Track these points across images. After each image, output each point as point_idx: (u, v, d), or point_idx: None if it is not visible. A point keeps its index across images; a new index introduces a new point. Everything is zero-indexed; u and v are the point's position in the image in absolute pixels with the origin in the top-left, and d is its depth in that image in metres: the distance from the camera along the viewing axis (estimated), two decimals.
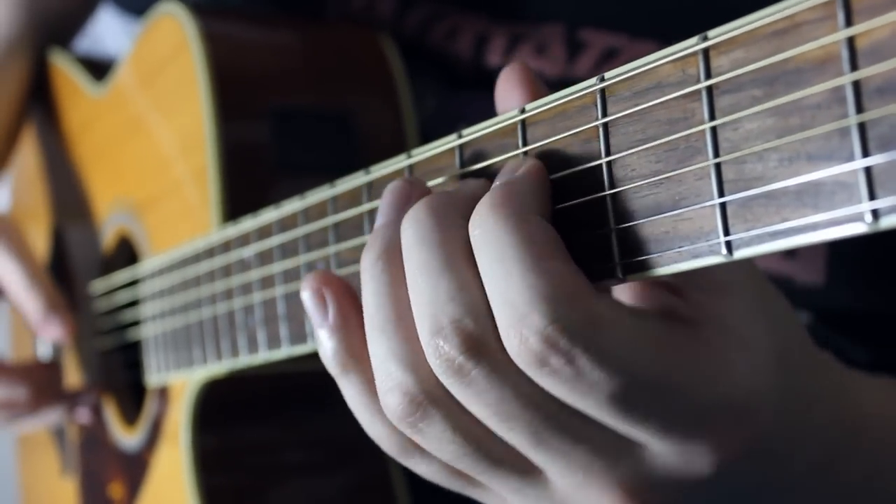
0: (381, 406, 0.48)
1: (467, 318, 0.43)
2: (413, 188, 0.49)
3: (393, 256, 0.46)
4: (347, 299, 0.50)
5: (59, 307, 0.97)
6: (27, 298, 0.97)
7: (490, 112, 0.51)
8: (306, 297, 0.51)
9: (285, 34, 0.88)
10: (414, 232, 0.45)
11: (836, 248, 0.73)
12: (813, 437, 0.51)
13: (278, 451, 0.85)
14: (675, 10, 0.79)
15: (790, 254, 0.74)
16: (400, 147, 0.86)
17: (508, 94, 0.50)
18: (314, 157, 0.83)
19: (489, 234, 0.42)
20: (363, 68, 0.86)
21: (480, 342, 0.42)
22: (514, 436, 0.45)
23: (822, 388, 0.51)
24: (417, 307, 0.44)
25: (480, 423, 0.45)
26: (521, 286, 0.40)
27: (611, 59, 0.79)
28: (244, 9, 0.93)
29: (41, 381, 0.98)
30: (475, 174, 0.49)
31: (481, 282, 0.43)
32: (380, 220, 0.49)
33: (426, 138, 0.87)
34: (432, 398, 0.45)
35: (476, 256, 0.43)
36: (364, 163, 0.84)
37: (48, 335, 0.97)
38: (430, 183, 0.52)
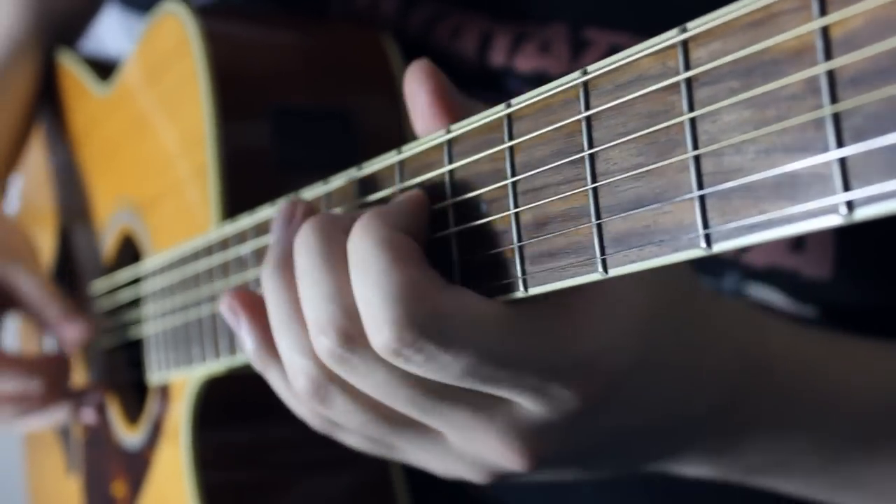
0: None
1: (342, 317, 0.50)
2: (296, 207, 0.58)
3: (285, 266, 0.54)
4: (257, 308, 0.58)
5: (76, 311, 1.00)
6: (46, 305, 0.99)
7: None
8: (223, 310, 0.60)
9: (287, 34, 0.88)
10: (301, 244, 0.52)
11: (844, 243, 0.74)
12: (708, 379, 0.57)
13: (279, 449, 0.85)
14: (680, 8, 0.79)
15: (797, 247, 0.75)
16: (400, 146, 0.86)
17: (415, 93, 0.55)
18: (315, 157, 0.83)
19: (355, 245, 0.49)
20: (364, 68, 0.86)
21: (353, 336, 0.50)
22: (400, 407, 0.52)
23: (718, 334, 0.57)
24: (305, 307, 0.52)
25: (374, 398, 0.54)
26: (376, 288, 0.47)
27: None
28: (246, 8, 0.93)
29: (54, 374, 0.98)
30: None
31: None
32: (272, 236, 0.57)
33: None
34: (329, 377, 0.53)
35: (349, 266, 0.50)
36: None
37: (70, 335, 0.99)
38: (377, 196, 0.52)
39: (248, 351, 0.59)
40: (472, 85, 0.86)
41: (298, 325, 0.53)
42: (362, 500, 0.87)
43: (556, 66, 0.81)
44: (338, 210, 0.60)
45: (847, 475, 0.68)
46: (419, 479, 0.87)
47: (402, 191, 0.55)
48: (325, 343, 0.51)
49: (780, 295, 0.79)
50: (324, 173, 0.83)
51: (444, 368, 0.48)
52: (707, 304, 0.57)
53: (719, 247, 0.38)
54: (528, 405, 0.51)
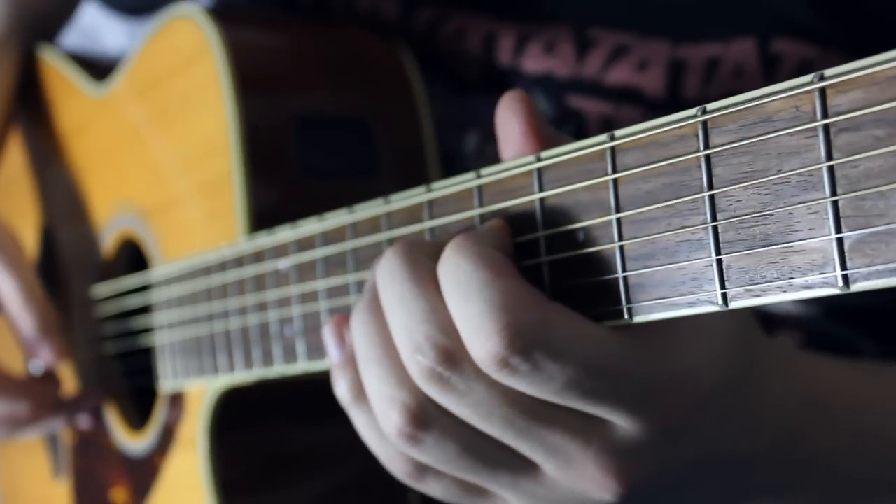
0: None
1: (439, 335, 0.50)
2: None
3: (374, 306, 0.54)
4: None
5: (51, 330, 0.98)
6: (22, 316, 0.97)
7: None
8: (327, 331, 0.59)
9: (305, 39, 0.87)
10: (387, 271, 0.52)
11: None
12: (771, 413, 0.58)
13: (298, 459, 0.85)
14: (685, 10, 0.80)
15: None
16: (419, 154, 0.86)
17: (508, 121, 0.55)
18: (336, 164, 0.83)
19: (450, 266, 0.49)
20: (383, 75, 0.86)
21: (452, 353, 0.50)
22: (496, 430, 0.52)
23: (774, 369, 0.58)
24: (397, 334, 0.52)
25: (469, 426, 0.53)
26: (478, 301, 0.48)
27: (620, 56, 0.80)
28: (259, 12, 0.92)
29: (40, 395, 0.97)
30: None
31: (447, 306, 0.50)
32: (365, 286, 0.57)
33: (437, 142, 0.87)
34: (423, 408, 0.53)
35: (441, 287, 0.50)
36: (384, 169, 0.85)
37: (39, 358, 0.98)
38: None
39: (341, 384, 0.58)
40: (479, 86, 0.87)
41: (389, 359, 0.53)
42: None
43: (562, 67, 0.82)
44: (403, 230, 0.60)
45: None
46: None
47: (484, 216, 0.55)
48: (421, 362, 0.50)
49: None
50: (344, 179, 0.84)
51: (549, 381, 0.48)
52: (768, 341, 0.58)
53: (858, 286, 0.40)
54: (624, 424, 0.51)
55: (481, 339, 0.47)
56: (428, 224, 0.58)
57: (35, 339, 0.97)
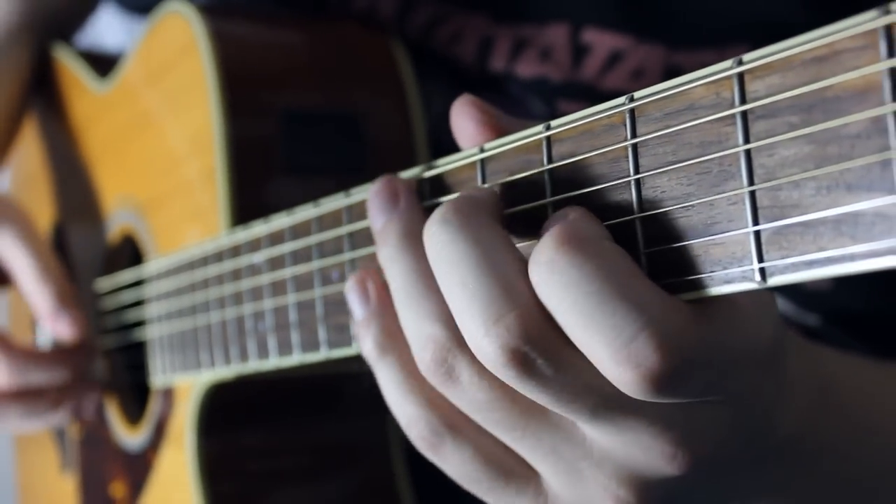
0: (411, 384, 0.52)
1: (522, 309, 0.44)
2: (397, 187, 0.54)
3: (410, 241, 0.51)
4: (384, 290, 0.54)
5: (69, 302, 0.95)
6: (37, 290, 0.95)
7: None
8: (350, 286, 0.55)
9: (295, 35, 0.87)
10: (447, 230, 0.47)
11: None
12: (790, 399, 0.53)
13: (284, 454, 0.85)
14: (682, 16, 0.79)
15: None
16: (409, 151, 0.85)
17: (461, 127, 0.53)
18: (323, 160, 0.82)
19: (563, 276, 0.43)
20: (373, 71, 0.85)
21: (541, 332, 0.44)
22: (571, 414, 0.46)
23: (792, 349, 0.53)
24: (460, 302, 0.46)
25: None
26: (613, 320, 0.42)
27: (615, 63, 0.79)
28: (252, 8, 0.92)
29: (80, 363, 0.96)
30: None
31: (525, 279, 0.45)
32: (380, 220, 0.54)
33: (435, 142, 0.86)
34: (461, 344, 0.48)
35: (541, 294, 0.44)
36: (373, 166, 0.84)
37: (58, 331, 0.96)
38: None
39: (367, 335, 0.54)
40: (473, 88, 0.86)
41: (430, 296, 0.49)
42: (368, 501, 0.87)
43: (556, 73, 0.81)
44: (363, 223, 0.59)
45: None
46: (424, 484, 0.87)
47: (432, 207, 0.54)
48: (504, 337, 0.44)
49: (784, 302, 0.80)
50: (332, 175, 0.83)
51: (694, 388, 0.44)
52: (785, 324, 0.54)
53: (774, 280, 0.38)
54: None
55: (632, 348, 0.41)
56: None
57: (54, 312, 0.94)
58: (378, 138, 0.84)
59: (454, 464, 0.52)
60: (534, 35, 0.82)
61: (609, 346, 0.41)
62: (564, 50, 0.81)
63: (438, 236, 0.47)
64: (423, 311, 0.50)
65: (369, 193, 0.55)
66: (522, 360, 0.44)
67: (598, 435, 0.48)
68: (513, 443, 0.50)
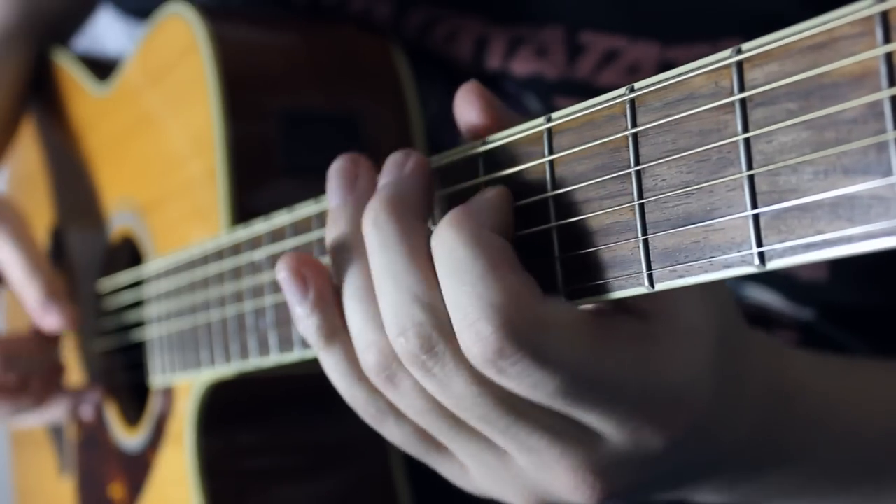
0: (357, 373, 0.54)
1: (428, 320, 0.47)
2: (358, 166, 0.55)
3: (356, 236, 0.52)
4: (323, 278, 0.55)
5: (58, 295, 0.95)
6: (26, 286, 0.95)
7: None
8: (283, 277, 0.55)
9: (294, 36, 0.88)
10: (378, 234, 0.49)
11: None
12: (748, 407, 0.56)
13: (283, 453, 0.85)
14: (675, 11, 0.80)
15: None
16: None
17: (464, 114, 0.54)
18: (322, 161, 0.83)
19: (446, 248, 0.46)
20: (372, 74, 0.86)
21: (439, 342, 0.47)
22: (473, 420, 0.50)
23: (754, 363, 0.56)
24: (383, 305, 0.49)
25: None
26: (472, 295, 0.45)
27: (611, 61, 0.80)
28: (252, 10, 0.93)
29: (41, 350, 0.97)
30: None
31: (437, 284, 0.48)
32: (334, 201, 0.55)
33: (431, 142, 0.87)
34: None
35: (436, 266, 0.47)
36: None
37: (48, 325, 0.95)
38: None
39: (310, 325, 0.54)
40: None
41: (374, 306, 0.51)
42: (365, 499, 0.87)
43: (552, 70, 0.82)
44: None
45: (859, 500, 0.68)
46: (423, 483, 0.87)
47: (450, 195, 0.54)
48: (405, 347, 0.48)
49: (778, 297, 0.81)
50: None
51: (537, 385, 0.46)
52: (748, 334, 0.56)
53: (774, 264, 0.39)
54: (614, 436, 0.49)
55: (472, 336, 0.45)
56: None
57: (43, 305, 0.94)
58: (376, 139, 0.85)
59: (395, 436, 0.56)
60: (529, 34, 0.82)
61: (460, 320, 0.46)
62: (560, 48, 0.81)
63: (370, 240, 0.50)
64: (369, 315, 0.51)
65: (331, 168, 0.56)
66: (421, 367, 0.48)
67: (513, 453, 0.51)
68: (445, 442, 0.54)
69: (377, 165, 0.56)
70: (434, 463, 0.57)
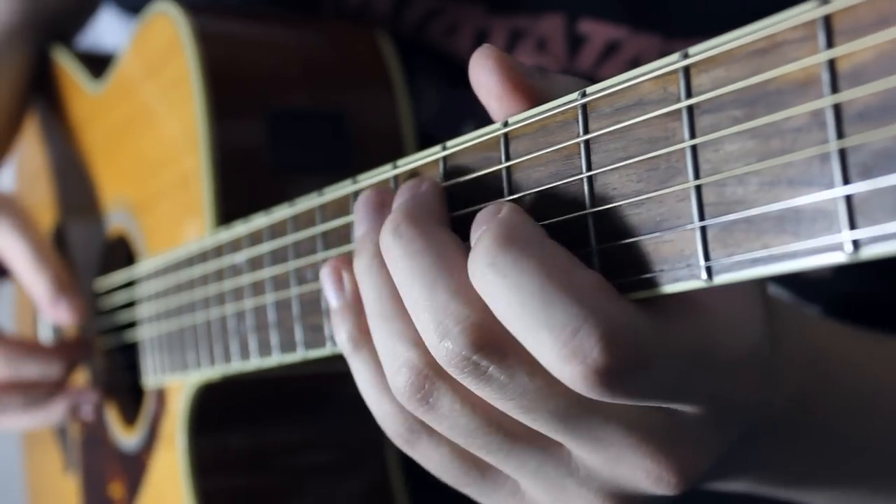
0: (386, 382, 0.49)
1: (475, 315, 0.43)
2: (386, 195, 0.52)
3: (381, 259, 0.48)
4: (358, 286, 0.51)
5: (67, 288, 0.95)
6: (35, 280, 0.94)
7: None
8: (325, 273, 0.53)
9: (280, 33, 0.86)
10: (398, 246, 0.46)
11: None
12: (784, 375, 0.51)
13: (275, 454, 0.84)
14: (678, 3, 0.78)
15: None
16: (396, 148, 0.85)
17: (481, 83, 0.49)
18: (309, 158, 0.82)
19: (498, 269, 0.42)
20: (359, 67, 0.85)
21: (491, 337, 0.43)
22: (539, 423, 0.45)
23: (783, 325, 0.52)
24: (416, 313, 0.45)
25: None
26: (561, 313, 0.40)
27: (612, 53, 0.78)
28: (239, 7, 0.92)
29: (74, 359, 0.96)
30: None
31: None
32: (361, 229, 0.51)
33: (430, 137, 0.85)
34: (439, 371, 0.45)
35: (484, 293, 0.43)
36: (359, 164, 0.83)
37: (57, 318, 0.95)
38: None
39: (341, 327, 0.52)
40: (468, 82, 0.85)
41: (403, 314, 0.47)
42: (361, 498, 0.86)
43: (552, 65, 0.80)
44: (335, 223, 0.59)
45: (878, 482, 0.66)
46: (419, 482, 0.86)
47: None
48: (449, 350, 0.43)
49: (785, 292, 0.79)
50: (318, 174, 0.83)
51: (639, 389, 0.42)
52: (774, 299, 0.53)
53: (720, 279, 0.37)
54: (688, 410, 0.45)
55: (575, 342, 0.40)
56: (353, 216, 0.57)
57: (52, 298, 0.94)
58: (364, 135, 0.83)
59: (430, 459, 0.51)
60: (529, 26, 0.81)
61: (554, 343, 0.40)
62: (560, 41, 0.80)
63: (392, 251, 0.46)
64: (396, 332, 0.47)
65: (358, 200, 0.53)
66: (474, 370, 0.43)
67: (582, 452, 0.46)
68: (496, 463, 0.48)
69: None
70: (479, 489, 0.51)
